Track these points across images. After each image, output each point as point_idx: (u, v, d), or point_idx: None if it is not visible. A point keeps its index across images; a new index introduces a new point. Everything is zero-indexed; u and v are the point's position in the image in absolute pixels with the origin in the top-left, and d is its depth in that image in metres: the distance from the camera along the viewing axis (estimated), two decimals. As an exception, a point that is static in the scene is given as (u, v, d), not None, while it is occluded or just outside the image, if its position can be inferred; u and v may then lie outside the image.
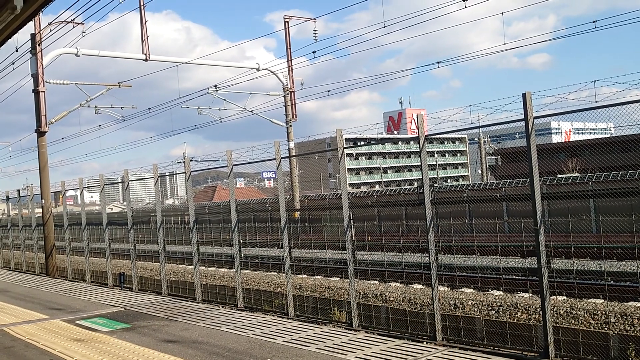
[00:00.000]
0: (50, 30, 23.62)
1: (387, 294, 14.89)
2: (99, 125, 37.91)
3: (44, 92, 23.61)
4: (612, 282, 14.11)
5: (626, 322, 10.90)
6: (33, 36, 23.36)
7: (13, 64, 25.58)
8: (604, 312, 11.29)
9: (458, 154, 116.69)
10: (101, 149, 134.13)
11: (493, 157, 56.09)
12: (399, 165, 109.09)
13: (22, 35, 24.53)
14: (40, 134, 23.78)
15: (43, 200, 23.66)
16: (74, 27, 24.15)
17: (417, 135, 9.90)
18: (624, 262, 16.79)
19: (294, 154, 37.32)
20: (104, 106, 33.63)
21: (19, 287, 19.43)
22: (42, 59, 23.59)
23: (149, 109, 32.88)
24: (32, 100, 23.82)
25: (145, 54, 28.07)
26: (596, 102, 13.89)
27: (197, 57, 33.43)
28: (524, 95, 8.46)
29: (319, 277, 19.00)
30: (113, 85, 30.28)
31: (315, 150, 65.10)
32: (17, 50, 25.07)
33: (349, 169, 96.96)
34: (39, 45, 23.25)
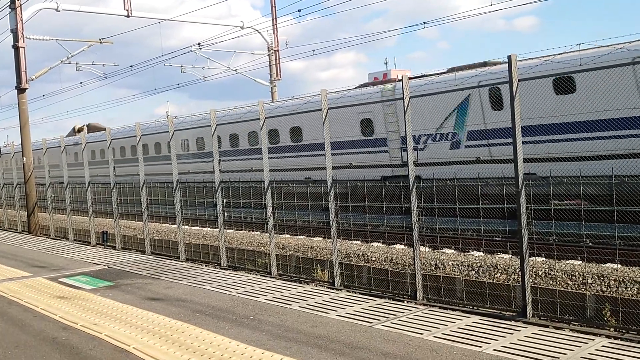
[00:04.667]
0: (30, -16, 23.08)
1: (369, 254, 15.03)
2: (81, 83, 37.51)
3: (23, 48, 23.17)
4: (590, 244, 14.34)
5: (603, 283, 11.11)
6: (12, -10, 22.83)
7: (-9, 18, 25.03)
8: (581, 274, 11.49)
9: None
10: (83, 106, 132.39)
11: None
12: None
13: (1, -11, 23.98)
14: (21, 90, 23.43)
15: (24, 158, 23.45)
16: (54, -20, 23.62)
17: (401, 96, 9.87)
18: (603, 224, 16.98)
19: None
20: (85, 63, 33.17)
21: (1, 244, 19.38)
22: (21, 14, 23.10)
23: (131, 66, 32.47)
24: (12, 56, 23.42)
25: (127, 10, 27.51)
26: (580, 65, 13.92)
27: (182, 14, 32.91)
28: (509, 58, 8.41)
29: (302, 236, 19.10)
30: (94, 41, 29.80)
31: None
32: (-5, 5, 24.52)
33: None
34: (18, -1, 22.74)
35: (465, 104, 18.43)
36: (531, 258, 11.83)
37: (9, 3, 22.85)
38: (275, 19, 33.78)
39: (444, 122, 18.95)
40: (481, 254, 14.25)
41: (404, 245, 15.74)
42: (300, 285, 11.00)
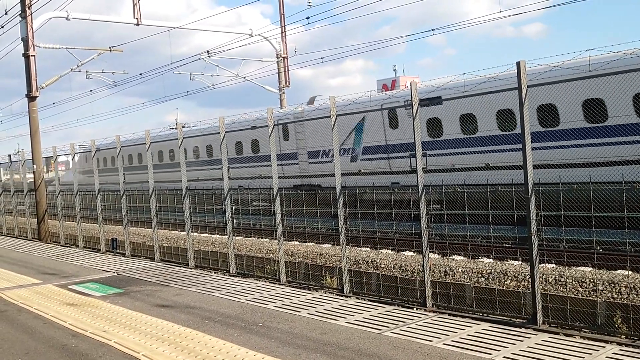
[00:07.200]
0: (40, -7, 23.25)
1: (378, 260, 15.00)
2: (91, 91, 37.60)
3: (34, 56, 23.32)
4: (600, 250, 14.26)
5: (614, 290, 11.04)
6: (22, -1, 23.01)
7: (2, 27, 25.28)
8: (592, 280, 11.42)
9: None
10: (93, 114, 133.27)
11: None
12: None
13: (12, -2, 24.21)
14: (31, 98, 23.58)
15: (35, 166, 23.57)
16: (64, -11, 23.80)
17: (410, 103, 9.87)
18: (613, 230, 16.86)
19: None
20: (95, 71, 33.37)
21: (11, 252, 19.47)
22: (32, 22, 23.27)
23: (141, 74, 32.62)
24: (22, 64, 23.57)
25: (137, 19, 27.65)
26: (590, 71, 13.86)
27: (192, 22, 32.99)
28: (518, 64, 8.40)
29: (310, 243, 19.09)
30: (104, 49, 29.97)
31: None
32: (6, 13, 24.79)
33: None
34: (28, 8, 22.91)
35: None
36: (541, 265, 11.78)
37: (20, 12, 23.03)
38: (284, 26, 33.89)
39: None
40: (491, 260, 14.20)
41: (413, 252, 15.70)
42: (309, 292, 10.98)
